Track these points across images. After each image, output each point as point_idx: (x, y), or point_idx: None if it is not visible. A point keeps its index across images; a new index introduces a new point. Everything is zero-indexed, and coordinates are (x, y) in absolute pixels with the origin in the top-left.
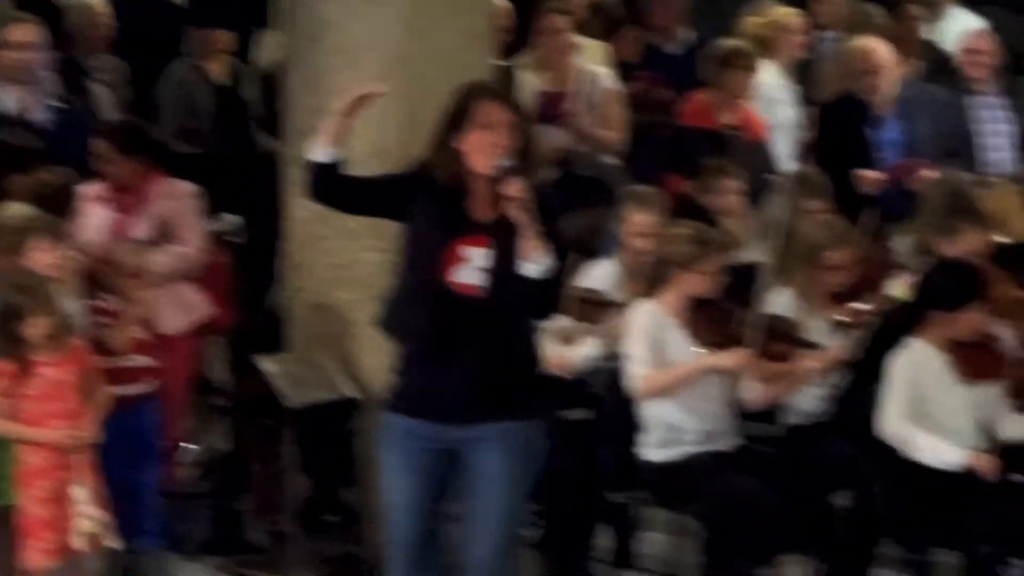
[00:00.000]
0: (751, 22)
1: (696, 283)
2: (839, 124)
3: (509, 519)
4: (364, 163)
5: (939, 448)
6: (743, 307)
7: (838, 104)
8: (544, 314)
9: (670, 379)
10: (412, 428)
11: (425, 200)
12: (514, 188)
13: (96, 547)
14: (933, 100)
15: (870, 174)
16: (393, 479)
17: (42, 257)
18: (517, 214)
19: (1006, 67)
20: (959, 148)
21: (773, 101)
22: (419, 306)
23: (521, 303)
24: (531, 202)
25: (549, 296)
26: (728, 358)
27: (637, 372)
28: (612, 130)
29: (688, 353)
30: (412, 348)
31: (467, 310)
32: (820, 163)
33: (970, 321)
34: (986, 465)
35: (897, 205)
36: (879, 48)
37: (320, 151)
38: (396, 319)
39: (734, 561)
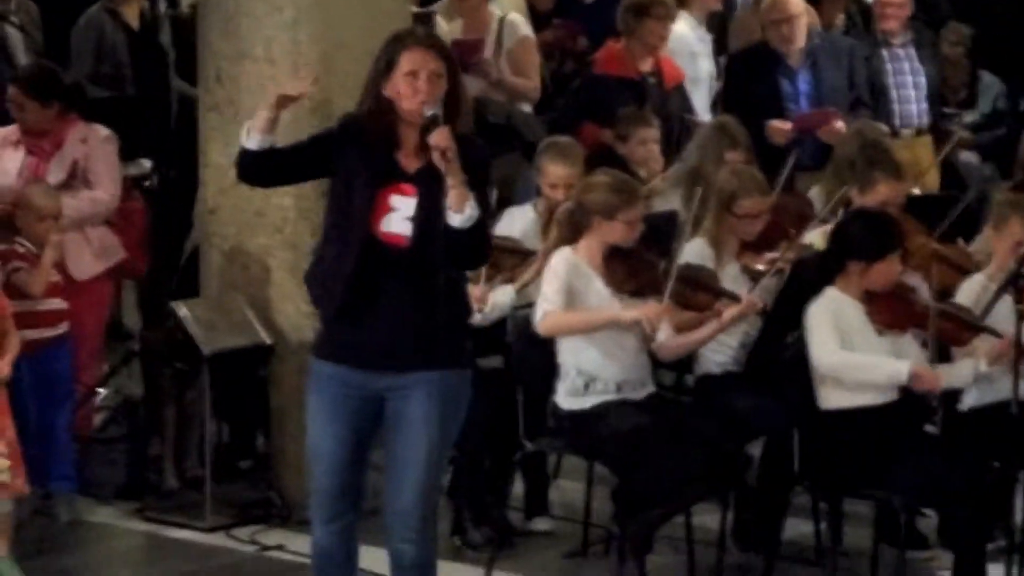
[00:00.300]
0: None
1: (615, 232)
2: (750, 74)
3: (432, 467)
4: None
5: (883, 364)
6: (660, 256)
7: (750, 53)
8: (471, 264)
9: (573, 321)
10: (338, 375)
11: (354, 151)
12: (438, 137)
13: (4, 490)
14: (844, 51)
15: (780, 124)
16: (318, 425)
17: None
18: (442, 163)
19: (919, 19)
20: (870, 100)
21: (690, 52)
22: (347, 256)
23: (448, 253)
24: (456, 151)
25: (476, 247)
26: (633, 312)
27: (543, 307)
28: (527, 78)
29: (606, 301)
30: (339, 296)
31: (394, 260)
32: (729, 112)
33: (888, 272)
34: (928, 377)
35: (808, 156)
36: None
37: (251, 139)
38: (324, 268)
39: (645, 509)
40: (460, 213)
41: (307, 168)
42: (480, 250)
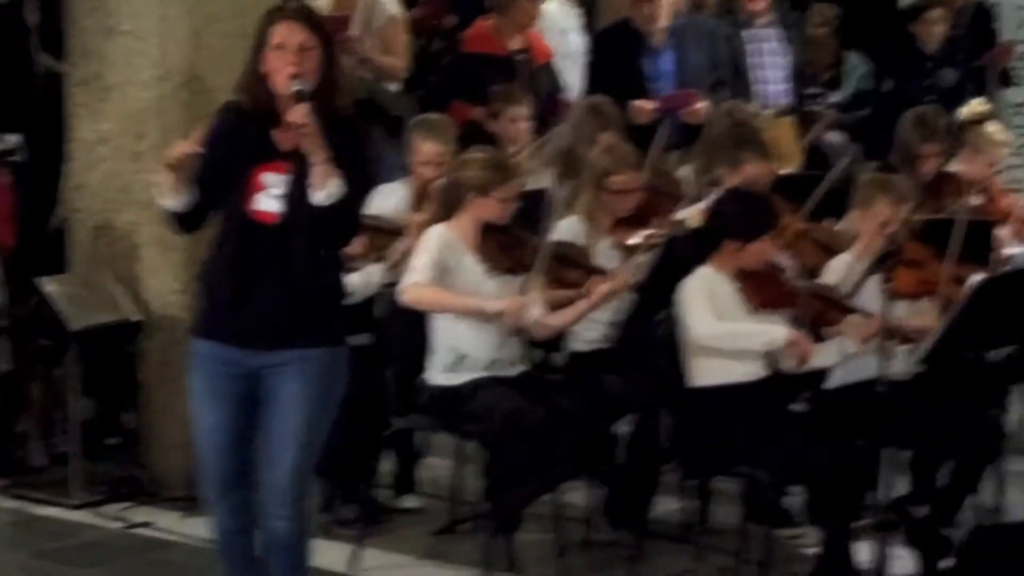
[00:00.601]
0: None
1: (490, 208)
2: (614, 53)
3: (305, 444)
4: (150, 84)
5: (761, 330)
6: (532, 233)
7: (614, 32)
8: (337, 243)
9: (438, 299)
10: (214, 353)
11: (235, 128)
12: (294, 113)
13: None
14: (707, 31)
15: (644, 104)
16: (198, 403)
17: None
18: (302, 140)
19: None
20: (732, 80)
21: (560, 29)
22: (221, 233)
23: (312, 231)
24: (315, 128)
25: (341, 225)
26: (498, 304)
27: (411, 278)
28: (395, 56)
29: (479, 278)
30: (214, 274)
31: (265, 237)
32: (593, 91)
33: (761, 251)
34: (803, 344)
35: (671, 135)
36: None
37: (172, 202)
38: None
39: (514, 487)
40: (322, 190)
41: (229, 180)
42: (345, 229)
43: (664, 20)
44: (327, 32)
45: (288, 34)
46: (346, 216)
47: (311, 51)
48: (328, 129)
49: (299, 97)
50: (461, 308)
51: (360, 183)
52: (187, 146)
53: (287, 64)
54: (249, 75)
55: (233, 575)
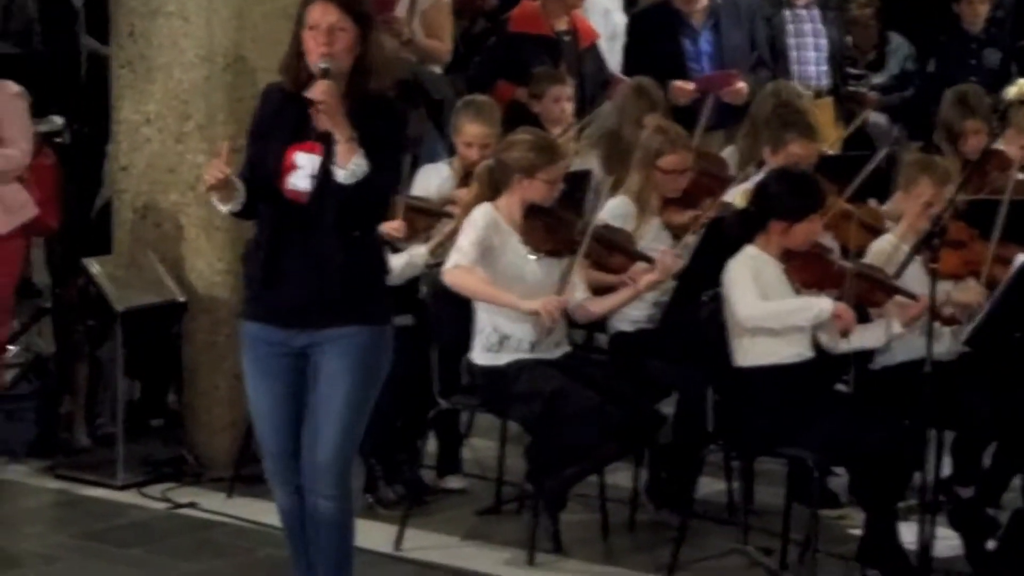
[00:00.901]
0: None
1: (536, 190)
2: (653, 34)
3: (347, 422)
4: (194, 65)
5: (807, 304)
6: (577, 215)
7: (652, 13)
8: (365, 223)
9: (477, 288)
10: (261, 334)
11: (276, 110)
12: (314, 90)
13: None
14: (746, 12)
15: (684, 84)
16: (251, 385)
17: None
18: (321, 117)
19: None
20: (770, 60)
21: (604, 9)
22: (268, 215)
23: (339, 210)
24: (335, 106)
25: (368, 205)
26: (533, 304)
27: (455, 258)
28: (439, 39)
29: (522, 259)
30: (253, 255)
31: (297, 217)
32: (630, 72)
33: (808, 232)
34: (847, 316)
35: (713, 115)
36: None
37: (227, 208)
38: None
39: (559, 467)
40: (343, 168)
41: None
42: (373, 209)
43: (703, 0)
44: (363, 13)
45: (321, 14)
46: (373, 195)
47: (343, 32)
48: (362, 109)
49: (324, 75)
50: (497, 301)
51: (390, 163)
52: (218, 168)
53: (319, 44)
54: (289, 56)
55: (297, 554)
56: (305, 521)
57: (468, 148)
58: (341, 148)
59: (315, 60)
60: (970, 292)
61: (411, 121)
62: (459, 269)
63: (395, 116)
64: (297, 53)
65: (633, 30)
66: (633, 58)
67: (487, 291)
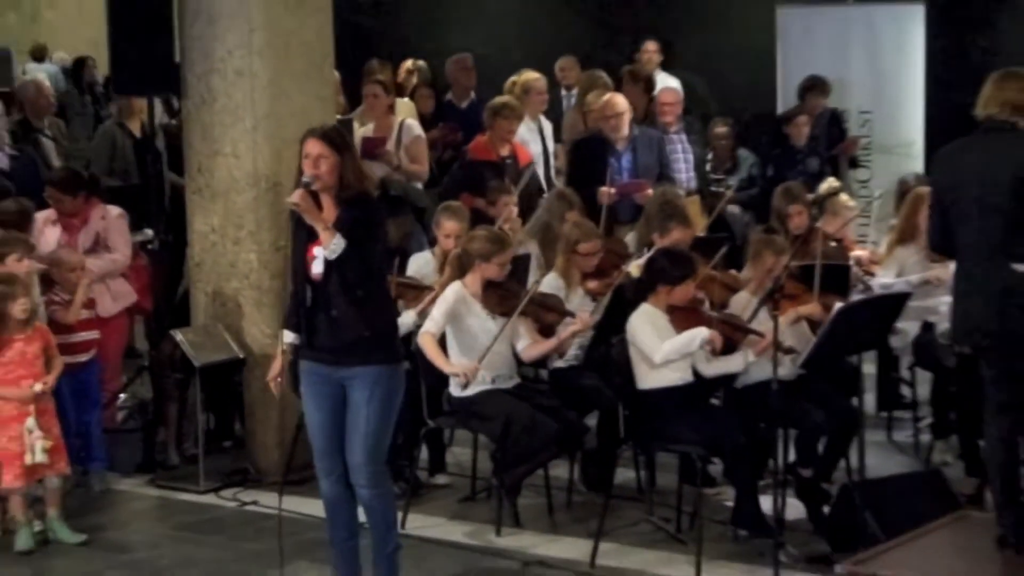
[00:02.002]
0: (510, 83)
1: (491, 270)
2: (589, 154)
3: (372, 435)
4: (246, 186)
5: (692, 335)
6: (521, 286)
7: (588, 140)
8: (360, 284)
9: (428, 351)
10: (312, 369)
11: (298, 222)
12: (293, 197)
13: (53, 468)
14: (655, 139)
15: (608, 190)
16: (306, 403)
17: (14, 265)
18: (303, 215)
19: (691, 114)
20: (665, 172)
21: (522, 140)
22: (306, 291)
23: (339, 281)
24: (309, 206)
25: (354, 272)
26: (455, 367)
27: (427, 325)
28: (418, 164)
29: (484, 319)
30: (303, 318)
31: (318, 290)
32: (571, 183)
33: (685, 292)
34: (716, 337)
35: (627, 212)
36: (620, 100)
37: (331, 251)
38: (293, 303)
39: (515, 466)
40: (326, 248)
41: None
42: (360, 273)
43: (625, 131)
44: (340, 144)
45: (310, 147)
46: (355, 263)
47: (325, 158)
48: (347, 204)
49: (305, 187)
50: (436, 363)
51: (366, 239)
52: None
53: (308, 168)
54: (296, 177)
55: (334, 538)
56: (343, 505)
57: (447, 239)
58: (321, 234)
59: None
60: (803, 334)
61: (402, 222)
62: (427, 334)
63: (369, 205)
64: (301, 174)
65: (575, 150)
66: (576, 170)
67: (433, 355)
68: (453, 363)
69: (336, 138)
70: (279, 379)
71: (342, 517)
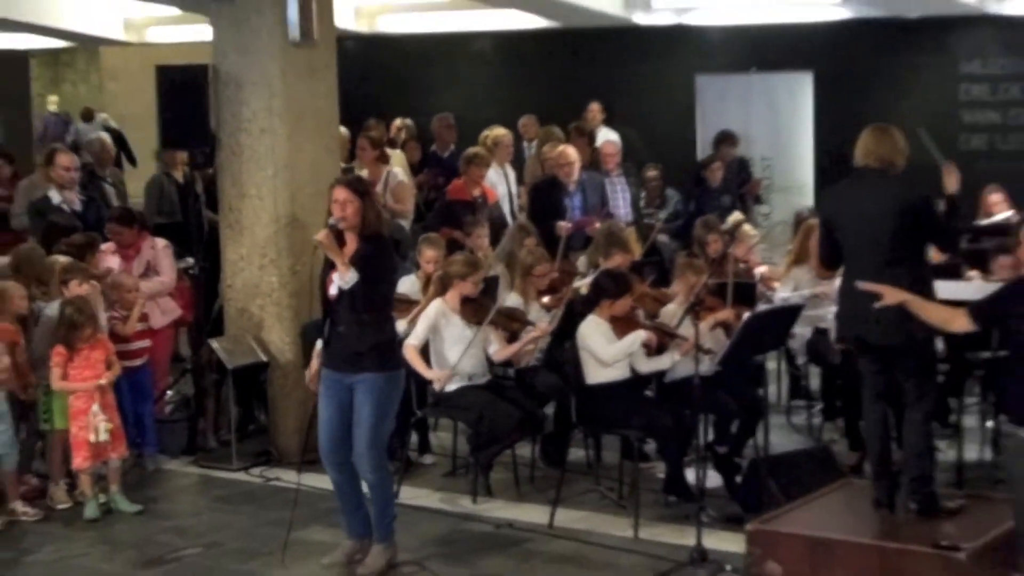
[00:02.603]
0: (483, 137)
1: (466, 288)
2: (546, 195)
3: (373, 429)
4: (270, 225)
5: (632, 339)
6: (491, 302)
7: (545, 183)
8: (365, 309)
9: (411, 359)
10: (327, 374)
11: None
12: (318, 236)
13: (114, 451)
14: (599, 182)
15: (564, 224)
16: (320, 402)
17: (76, 288)
18: (326, 249)
19: (629, 161)
20: (608, 210)
21: (491, 183)
22: (322, 311)
23: (349, 304)
24: (330, 243)
25: (363, 298)
26: (433, 374)
27: (410, 339)
28: (401, 204)
29: (461, 329)
30: (322, 332)
31: (335, 309)
32: (532, 218)
33: (624, 305)
34: (649, 338)
35: (579, 241)
36: (571, 152)
37: (346, 281)
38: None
39: (487, 447)
40: (342, 279)
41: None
42: (368, 301)
43: (575, 176)
44: (363, 191)
45: (337, 193)
46: (365, 294)
47: (350, 203)
48: (366, 242)
49: (331, 228)
50: (417, 368)
51: (376, 273)
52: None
53: (336, 211)
54: (326, 218)
55: (345, 509)
56: (348, 486)
57: (427, 264)
58: (339, 268)
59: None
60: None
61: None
62: (409, 347)
63: (382, 244)
64: (330, 215)
65: (534, 191)
66: (535, 207)
67: (416, 363)
68: (431, 371)
69: (359, 186)
70: (314, 380)
71: (349, 496)
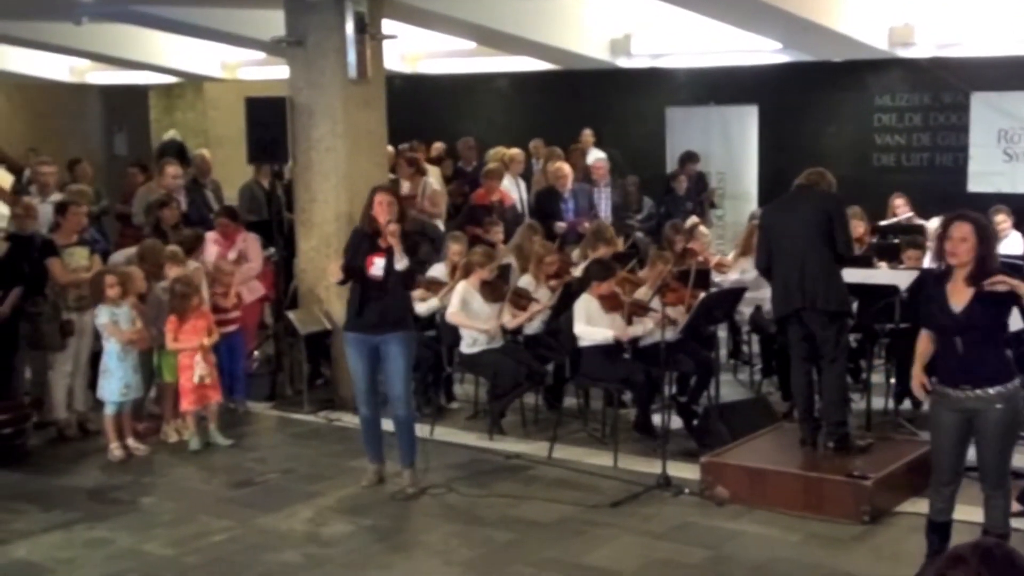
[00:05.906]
0: (499, 154)
1: (484, 273)
2: (547, 201)
3: (406, 373)
4: (332, 221)
5: (599, 332)
6: (504, 284)
7: (546, 192)
8: (408, 288)
9: (460, 321)
10: (356, 337)
11: (363, 239)
12: (390, 230)
13: (213, 397)
14: (588, 191)
15: (561, 224)
16: (351, 361)
17: (171, 269)
18: (391, 240)
19: (615, 172)
20: (597, 213)
21: (509, 191)
22: (358, 285)
23: (397, 281)
24: (398, 234)
25: (409, 279)
26: (485, 325)
27: (450, 309)
28: (437, 208)
29: (482, 305)
30: (356, 303)
31: (375, 286)
32: (537, 215)
33: (609, 287)
34: (621, 334)
35: (574, 237)
36: (565, 167)
37: (336, 280)
38: (352, 295)
39: (501, 396)
40: (399, 263)
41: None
42: (411, 281)
43: (569, 186)
44: (398, 195)
45: (382, 197)
46: (411, 275)
47: (392, 204)
48: (405, 236)
49: (387, 224)
50: (470, 326)
51: (415, 262)
52: (334, 272)
53: (385, 211)
54: (364, 214)
55: (369, 443)
56: (375, 422)
57: (454, 255)
58: (397, 254)
59: (383, 219)
60: (682, 313)
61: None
62: (454, 313)
63: (415, 240)
64: (369, 214)
65: (538, 198)
66: (539, 210)
67: (465, 323)
68: (481, 324)
69: (396, 192)
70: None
71: (375, 429)
